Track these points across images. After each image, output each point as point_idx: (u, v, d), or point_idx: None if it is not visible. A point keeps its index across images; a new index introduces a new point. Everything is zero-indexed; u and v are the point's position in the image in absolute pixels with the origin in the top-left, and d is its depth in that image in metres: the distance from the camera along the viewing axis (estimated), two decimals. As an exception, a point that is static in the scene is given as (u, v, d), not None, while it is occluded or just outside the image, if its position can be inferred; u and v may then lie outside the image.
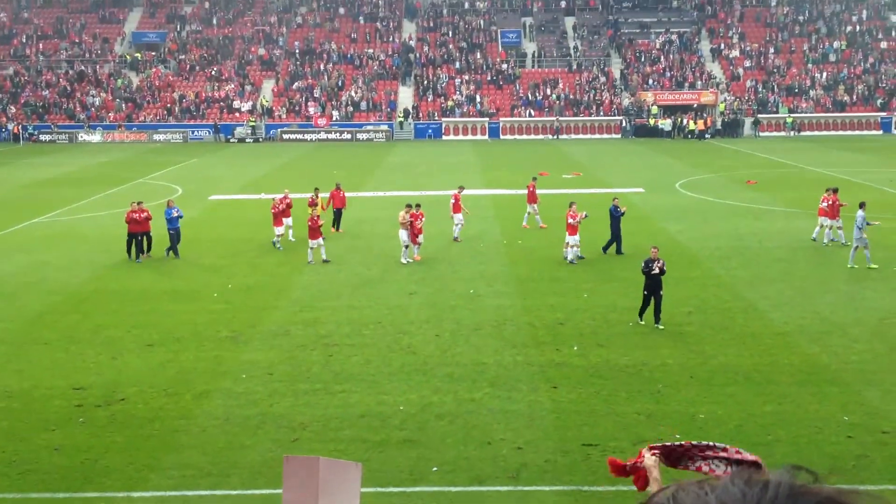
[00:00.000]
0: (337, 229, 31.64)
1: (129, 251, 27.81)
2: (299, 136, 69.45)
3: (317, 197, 30.41)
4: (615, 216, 27.38)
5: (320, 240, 27.18)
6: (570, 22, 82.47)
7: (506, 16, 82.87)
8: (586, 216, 26.60)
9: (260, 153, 61.13)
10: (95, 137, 69.62)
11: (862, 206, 25.76)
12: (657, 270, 20.10)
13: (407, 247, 27.02)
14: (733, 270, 25.67)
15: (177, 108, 72.71)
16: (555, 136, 69.56)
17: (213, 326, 20.97)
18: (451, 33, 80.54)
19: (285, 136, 69.44)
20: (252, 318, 21.64)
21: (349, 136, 69.37)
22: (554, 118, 70.67)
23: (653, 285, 20.27)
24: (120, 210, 37.00)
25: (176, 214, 28.12)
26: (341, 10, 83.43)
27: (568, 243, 26.69)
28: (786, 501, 1.12)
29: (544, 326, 20.58)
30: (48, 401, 16.55)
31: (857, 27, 79.38)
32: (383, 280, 25.20)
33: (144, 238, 27.86)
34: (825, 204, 28.53)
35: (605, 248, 27.71)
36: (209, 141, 69.78)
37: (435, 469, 13.63)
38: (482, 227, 32.25)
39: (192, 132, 70.56)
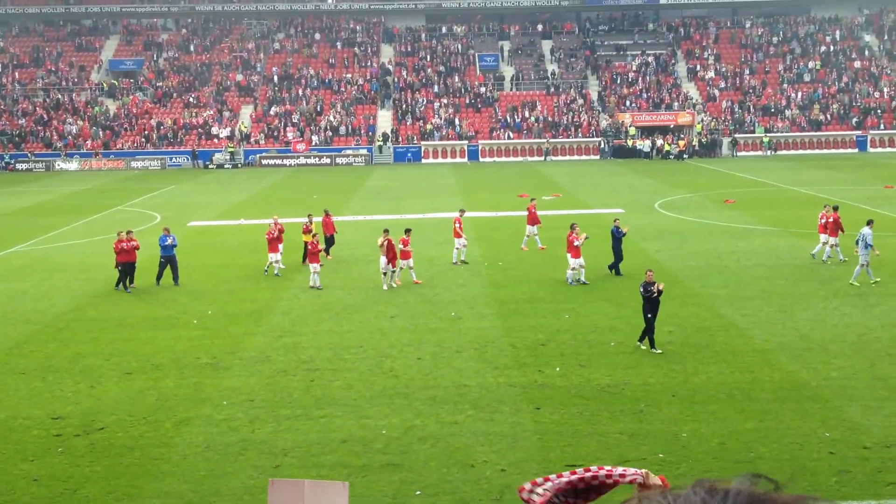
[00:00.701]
0: (327, 255, 31.44)
1: (122, 282, 27.08)
2: (278, 162, 69.42)
3: (310, 223, 30.17)
4: (616, 237, 27.29)
5: (318, 265, 27.05)
6: (547, 45, 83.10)
7: (483, 40, 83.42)
8: (587, 238, 26.50)
9: (239, 179, 61.05)
10: (73, 165, 69.32)
11: (869, 223, 25.97)
12: (656, 293, 19.90)
13: (385, 273, 26.69)
14: (712, 289, 25.80)
15: (154, 135, 72.56)
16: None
17: (193, 353, 20.83)
18: (428, 57, 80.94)
19: (264, 162, 69.39)
20: (232, 344, 21.51)
21: (328, 161, 69.42)
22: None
23: (653, 308, 19.99)
24: (99, 238, 36.82)
25: (170, 242, 27.67)
26: (318, 36, 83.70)
27: (572, 266, 26.46)
28: None
29: (526, 348, 20.58)
30: (26, 431, 16.36)
31: (832, 47, 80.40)
32: (364, 304, 25.14)
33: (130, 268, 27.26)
34: (823, 221, 28.64)
35: (616, 269, 27.41)
36: (187, 167, 69.63)
37: (418, 492, 13.57)
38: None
39: (171, 159, 70.39)
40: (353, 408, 17.07)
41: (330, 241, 31.73)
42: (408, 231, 27.71)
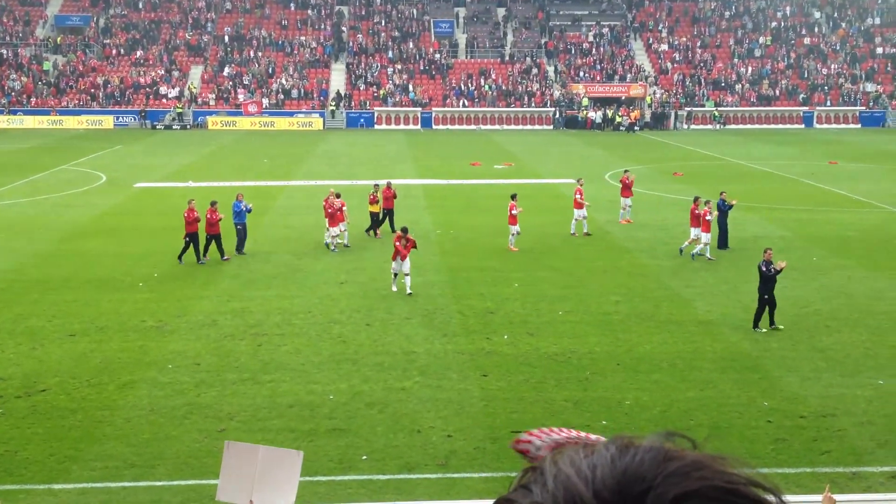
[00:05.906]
0: (392, 230, 28.14)
1: (205, 252, 25.82)
2: (228, 125, 68.42)
3: (377, 193, 29.03)
4: (723, 210, 26.93)
5: (341, 226, 26.75)
6: (502, 13, 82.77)
7: (438, 6, 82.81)
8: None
9: (187, 141, 60.11)
10: (16, 123, 67.66)
11: None
12: (776, 271, 19.46)
13: (396, 274, 22.78)
14: (659, 260, 26.13)
15: (101, 94, 71.07)
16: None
17: (139, 316, 20.61)
18: (383, 22, 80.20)
19: (213, 124, 68.34)
20: (178, 307, 21.31)
21: (279, 125, 68.58)
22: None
23: (770, 288, 19.55)
24: (42, 197, 36.09)
25: (244, 208, 26.44)
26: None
27: (699, 239, 25.78)
28: (654, 466, 1.11)
29: (475, 315, 20.69)
30: (-35, 392, 16.10)
31: (782, 23, 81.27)
32: (313, 269, 25.03)
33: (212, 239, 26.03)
34: None
35: (723, 243, 26.99)
36: (135, 127, 68.38)
37: (364, 457, 13.64)
38: (413, 217, 32.19)
39: (118, 118, 69.05)
40: (301, 373, 17.05)
41: (385, 216, 29.34)
42: (514, 196, 27.06)
